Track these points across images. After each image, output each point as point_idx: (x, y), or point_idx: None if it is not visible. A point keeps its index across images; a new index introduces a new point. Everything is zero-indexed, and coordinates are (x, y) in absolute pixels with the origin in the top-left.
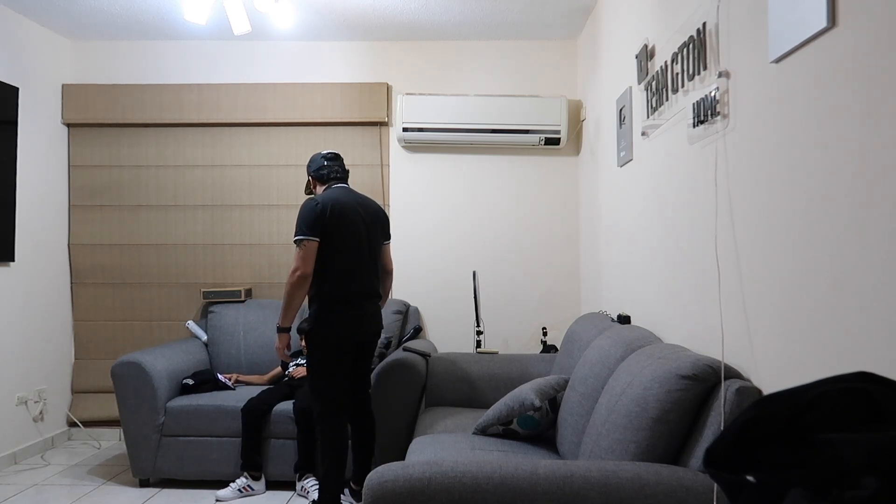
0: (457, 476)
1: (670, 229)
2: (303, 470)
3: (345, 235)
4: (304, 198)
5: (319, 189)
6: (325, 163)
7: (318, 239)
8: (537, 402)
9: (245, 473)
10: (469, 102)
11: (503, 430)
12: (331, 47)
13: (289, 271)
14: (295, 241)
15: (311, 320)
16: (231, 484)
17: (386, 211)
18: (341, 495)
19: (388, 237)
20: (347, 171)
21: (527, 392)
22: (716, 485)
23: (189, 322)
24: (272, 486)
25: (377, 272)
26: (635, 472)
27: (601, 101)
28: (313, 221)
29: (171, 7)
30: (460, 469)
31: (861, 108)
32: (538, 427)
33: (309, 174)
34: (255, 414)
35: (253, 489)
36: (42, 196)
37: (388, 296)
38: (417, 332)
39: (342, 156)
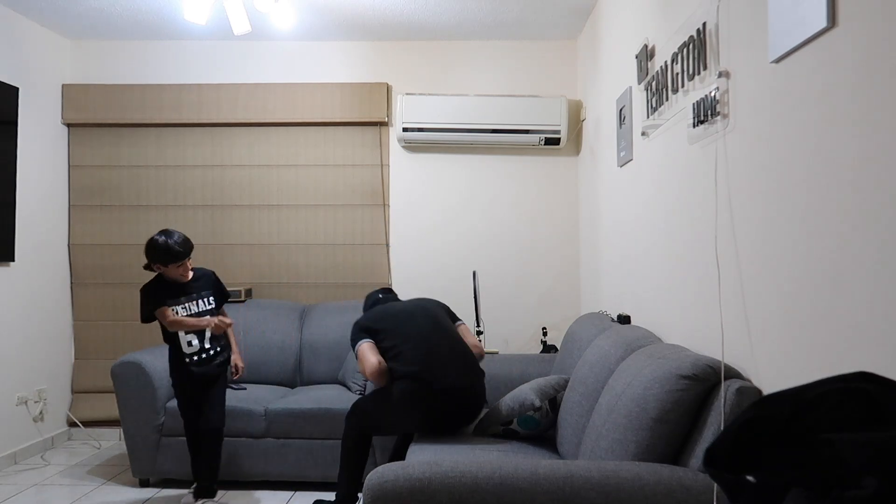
0: (457, 476)
1: (670, 229)
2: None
3: (393, 321)
4: (304, 198)
5: None
6: (380, 296)
7: (369, 339)
8: (537, 402)
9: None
10: (469, 102)
11: (503, 430)
12: (331, 47)
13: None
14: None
15: None
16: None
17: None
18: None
19: (456, 318)
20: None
21: (527, 392)
22: (716, 485)
23: None
24: (272, 485)
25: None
26: (635, 472)
27: (601, 101)
28: (356, 333)
29: (171, 7)
30: (460, 469)
31: (861, 108)
32: (538, 427)
33: (364, 310)
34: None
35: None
36: (42, 196)
37: (481, 356)
38: None
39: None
